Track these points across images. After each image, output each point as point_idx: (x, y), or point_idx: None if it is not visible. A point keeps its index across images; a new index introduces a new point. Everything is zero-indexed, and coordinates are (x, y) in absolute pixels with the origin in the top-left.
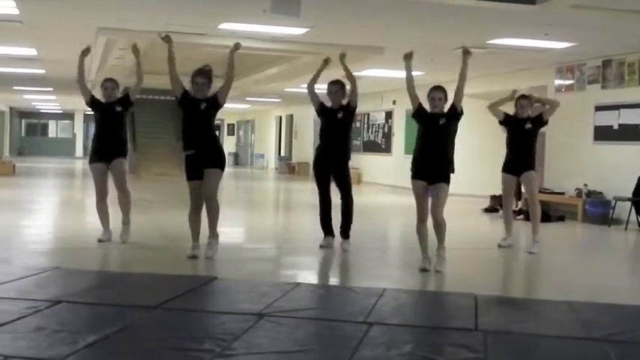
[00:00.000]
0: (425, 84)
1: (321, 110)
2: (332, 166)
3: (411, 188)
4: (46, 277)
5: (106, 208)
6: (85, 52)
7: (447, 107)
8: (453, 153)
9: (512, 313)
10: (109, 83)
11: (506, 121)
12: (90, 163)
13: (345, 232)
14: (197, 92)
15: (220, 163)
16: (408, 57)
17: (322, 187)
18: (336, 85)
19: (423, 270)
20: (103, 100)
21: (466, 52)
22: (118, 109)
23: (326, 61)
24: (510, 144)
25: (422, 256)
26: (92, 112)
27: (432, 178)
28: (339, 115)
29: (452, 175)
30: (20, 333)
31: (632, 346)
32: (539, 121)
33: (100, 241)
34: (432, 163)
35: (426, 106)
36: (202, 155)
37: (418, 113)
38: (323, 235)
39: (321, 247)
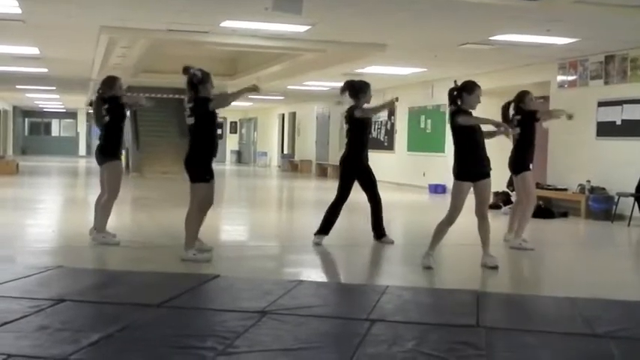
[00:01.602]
0: (428, 80)
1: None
2: (354, 165)
3: (414, 185)
4: (50, 275)
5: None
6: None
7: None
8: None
9: (515, 310)
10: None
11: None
12: (115, 159)
13: (382, 230)
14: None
15: (196, 176)
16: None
17: (348, 186)
18: (342, 86)
19: (428, 267)
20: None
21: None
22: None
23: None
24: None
25: (428, 251)
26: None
27: (478, 176)
28: (357, 114)
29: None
30: (23, 332)
31: (635, 343)
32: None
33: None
34: (480, 160)
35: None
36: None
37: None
38: (318, 230)
39: (316, 244)
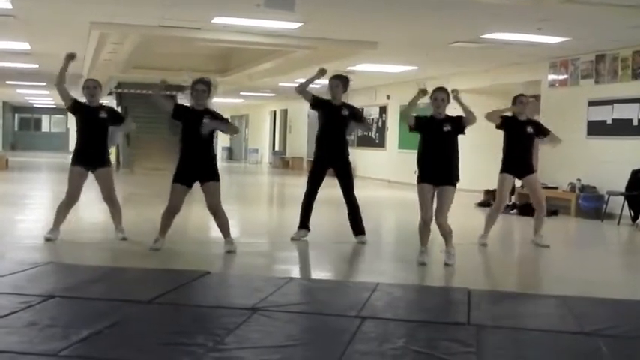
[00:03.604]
0: (419, 78)
1: (320, 103)
2: (334, 162)
3: (405, 183)
4: (39, 271)
5: (67, 213)
6: (70, 57)
7: (448, 110)
8: (458, 161)
9: (505, 308)
10: (90, 82)
11: (506, 125)
12: (72, 165)
13: (359, 228)
14: (196, 99)
15: (216, 175)
16: (422, 93)
17: (315, 182)
18: (337, 80)
19: (422, 264)
20: (86, 102)
21: (455, 94)
22: (103, 115)
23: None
24: (509, 146)
25: (420, 248)
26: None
27: (439, 181)
28: (344, 113)
29: (457, 183)
30: (13, 328)
31: (624, 341)
32: (539, 128)
33: (48, 239)
34: (440, 165)
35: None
36: (199, 166)
37: (419, 124)
38: (299, 226)
39: (293, 239)
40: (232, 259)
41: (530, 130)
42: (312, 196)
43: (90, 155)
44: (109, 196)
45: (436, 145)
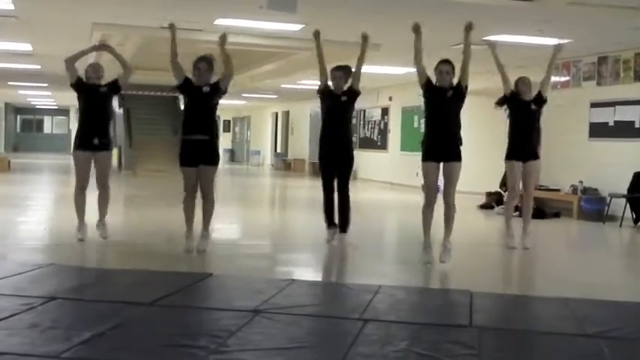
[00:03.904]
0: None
1: (326, 93)
2: (338, 156)
3: (407, 185)
4: (41, 273)
5: (85, 200)
6: (99, 47)
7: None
8: (460, 128)
9: (507, 310)
10: (94, 65)
11: (509, 103)
12: (75, 150)
13: (343, 227)
14: (199, 78)
15: (215, 160)
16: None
17: (329, 183)
18: (340, 71)
19: (427, 263)
20: (89, 81)
21: (468, 28)
22: (103, 89)
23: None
24: (515, 126)
25: (424, 243)
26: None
27: (444, 157)
28: (343, 99)
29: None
30: (14, 329)
31: (626, 343)
32: (541, 100)
33: (80, 240)
34: (444, 139)
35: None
36: (199, 146)
37: (427, 88)
38: (326, 227)
39: (328, 241)
40: (234, 262)
41: (534, 107)
42: (330, 193)
43: (92, 136)
44: (103, 181)
45: (440, 114)
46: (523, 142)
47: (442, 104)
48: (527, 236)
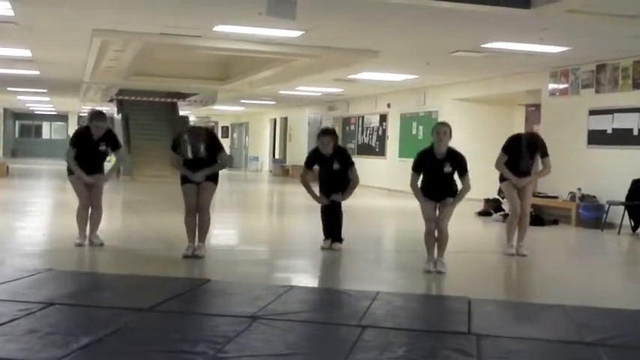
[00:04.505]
0: (420, 87)
1: (317, 159)
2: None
3: (405, 191)
4: (39, 279)
5: (87, 215)
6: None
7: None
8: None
9: (505, 317)
10: (100, 122)
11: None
12: (70, 175)
13: (337, 236)
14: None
15: (216, 180)
16: None
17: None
18: (327, 137)
19: (427, 271)
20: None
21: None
22: (102, 148)
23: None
24: (513, 162)
25: (427, 257)
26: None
27: (441, 198)
28: (336, 167)
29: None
30: (12, 335)
31: (625, 351)
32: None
33: (79, 245)
34: (441, 192)
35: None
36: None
37: (421, 166)
38: (324, 237)
39: (323, 249)
40: (233, 268)
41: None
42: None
43: (86, 168)
44: (97, 202)
45: (437, 182)
46: (516, 168)
47: (438, 176)
48: (522, 246)
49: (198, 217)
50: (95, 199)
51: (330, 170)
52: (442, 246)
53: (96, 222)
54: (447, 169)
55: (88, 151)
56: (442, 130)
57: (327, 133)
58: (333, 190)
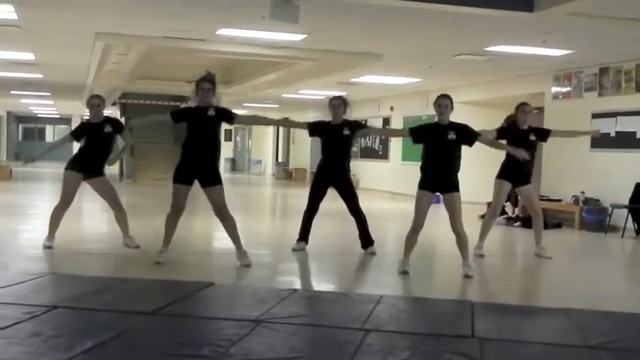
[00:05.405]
0: (423, 90)
1: (318, 128)
2: (334, 179)
3: (408, 194)
4: (43, 282)
5: (62, 218)
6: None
7: (452, 117)
8: (458, 170)
9: (509, 320)
10: (94, 100)
11: (507, 133)
12: (67, 169)
13: (368, 240)
14: (203, 98)
15: (218, 179)
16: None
17: (316, 196)
18: (339, 99)
19: (404, 273)
20: (91, 119)
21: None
22: (108, 129)
23: None
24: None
25: (403, 258)
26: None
27: (440, 188)
28: (346, 132)
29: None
30: (16, 338)
31: (628, 354)
32: (542, 134)
33: (48, 247)
34: (442, 173)
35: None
36: (200, 167)
37: (421, 136)
38: (298, 238)
39: (294, 250)
40: (236, 271)
41: (532, 137)
42: (313, 212)
43: (88, 165)
44: (115, 204)
45: (440, 153)
46: (518, 168)
47: (442, 145)
48: (543, 248)
49: (223, 227)
50: (111, 201)
51: (340, 136)
52: (464, 250)
53: (123, 223)
54: (451, 136)
55: (95, 136)
56: (444, 103)
57: (338, 97)
58: (339, 158)
